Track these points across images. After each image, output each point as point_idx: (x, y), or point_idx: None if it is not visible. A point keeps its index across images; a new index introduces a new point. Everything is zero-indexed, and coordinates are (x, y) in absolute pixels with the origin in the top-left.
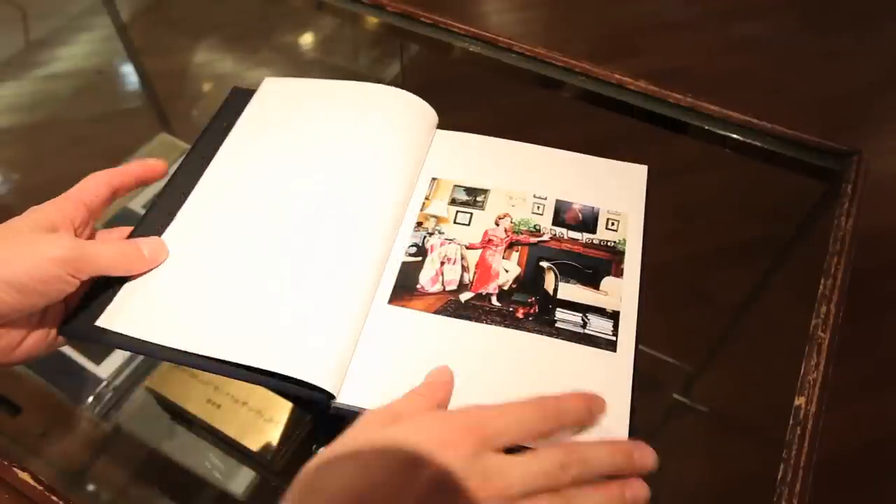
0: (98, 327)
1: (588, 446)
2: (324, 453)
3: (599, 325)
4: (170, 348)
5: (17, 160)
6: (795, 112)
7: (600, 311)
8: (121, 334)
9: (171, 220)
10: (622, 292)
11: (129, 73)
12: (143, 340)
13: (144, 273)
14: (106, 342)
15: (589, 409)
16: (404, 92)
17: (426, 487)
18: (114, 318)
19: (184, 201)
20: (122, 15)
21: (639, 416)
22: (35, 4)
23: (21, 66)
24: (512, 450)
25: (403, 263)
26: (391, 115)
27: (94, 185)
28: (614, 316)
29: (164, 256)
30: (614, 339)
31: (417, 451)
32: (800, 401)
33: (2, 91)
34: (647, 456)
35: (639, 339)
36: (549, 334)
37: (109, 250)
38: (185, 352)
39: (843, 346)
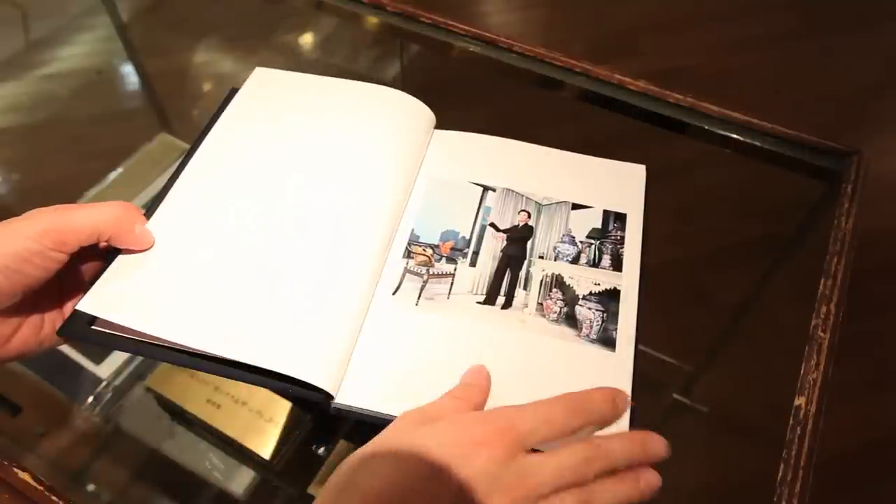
0: (93, 328)
1: (608, 439)
2: (358, 452)
3: (598, 324)
4: (165, 348)
5: (17, 160)
6: (795, 112)
7: (599, 310)
8: (115, 334)
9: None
10: (621, 291)
11: (129, 73)
12: (135, 339)
13: (132, 258)
14: (101, 342)
15: (614, 404)
16: (401, 92)
17: (459, 490)
18: (95, 301)
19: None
20: (122, 15)
21: (639, 416)
22: (35, 4)
23: (21, 66)
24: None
25: (402, 262)
26: (388, 114)
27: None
28: (613, 314)
29: (149, 244)
30: (613, 337)
31: (450, 453)
32: (800, 401)
33: (2, 91)
34: (658, 445)
35: (638, 339)
36: (550, 332)
37: (96, 212)
38: (181, 351)
39: (843, 346)
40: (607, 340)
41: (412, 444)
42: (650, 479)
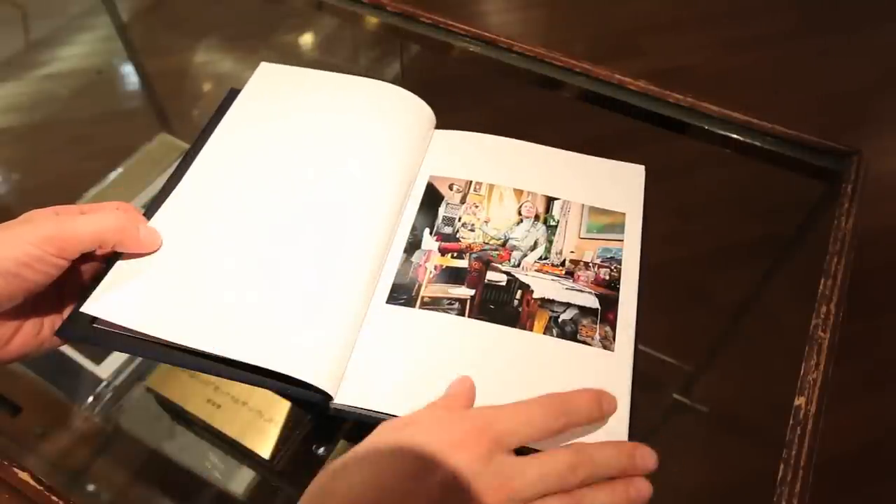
0: (94, 327)
1: (595, 447)
2: (338, 459)
3: (597, 325)
4: (165, 346)
5: (17, 160)
6: (795, 112)
7: (598, 311)
8: (116, 334)
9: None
10: (621, 292)
11: (129, 73)
12: (136, 339)
13: (134, 258)
14: (101, 343)
15: (599, 406)
16: (402, 90)
17: (437, 490)
18: (100, 303)
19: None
20: (122, 15)
21: (639, 416)
22: (35, 4)
23: (21, 66)
24: (521, 450)
25: (401, 262)
26: (389, 112)
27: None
28: (613, 315)
29: (156, 246)
30: (612, 338)
31: (428, 452)
32: (800, 401)
33: (2, 91)
34: (647, 456)
35: (638, 339)
36: (549, 332)
37: (98, 219)
38: (181, 351)
39: (843, 346)
40: (607, 341)
41: (389, 446)
42: (641, 489)
